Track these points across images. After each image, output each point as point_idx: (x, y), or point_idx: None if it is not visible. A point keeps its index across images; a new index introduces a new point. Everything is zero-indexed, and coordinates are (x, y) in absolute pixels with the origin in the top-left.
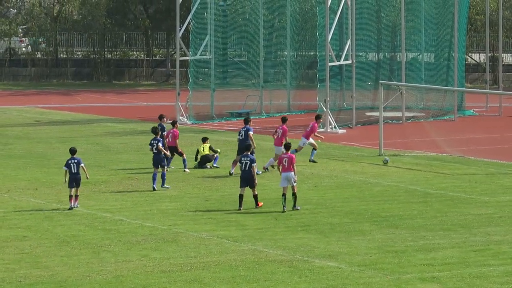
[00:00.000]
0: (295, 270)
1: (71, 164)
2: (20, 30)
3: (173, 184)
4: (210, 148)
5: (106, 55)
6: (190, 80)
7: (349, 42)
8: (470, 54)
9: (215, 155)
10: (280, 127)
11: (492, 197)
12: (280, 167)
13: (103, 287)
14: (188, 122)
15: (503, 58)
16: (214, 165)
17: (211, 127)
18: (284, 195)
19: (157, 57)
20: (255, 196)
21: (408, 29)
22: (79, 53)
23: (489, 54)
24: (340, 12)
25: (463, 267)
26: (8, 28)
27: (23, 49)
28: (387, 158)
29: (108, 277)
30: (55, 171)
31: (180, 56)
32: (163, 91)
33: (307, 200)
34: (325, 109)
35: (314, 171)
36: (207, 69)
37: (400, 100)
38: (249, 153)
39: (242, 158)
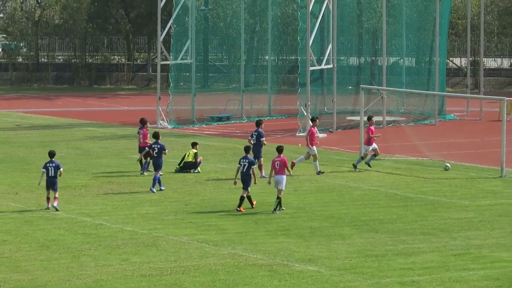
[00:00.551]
0: (274, 274)
1: (49, 167)
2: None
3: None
4: (196, 155)
5: (87, 60)
6: (171, 85)
7: (330, 46)
8: (451, 59)
9: (198, 161)
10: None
11: (472, 201)
12: (273, 171)
13: None
14: (169, 127)
15: (484, 62)
16: (195, 171)
17: (191, 131)
18: (278, 197)
19: (138, 61)
20: (248, 197)
21: (389, 33)
22: (60, 57)
23: (470, 59)
24: (322, 17)
25: (443, 271)
26: None
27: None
28: (448, 165)
29: (88, 281)
30: (35, 175)
31: (161, 61)
32: (144, 95)
33: (287, 204)
34: (305, 113)
35: (294, 175)
36: (188, 74)
37: (381, 104)
38: (248, 155)
39: (241, 160)
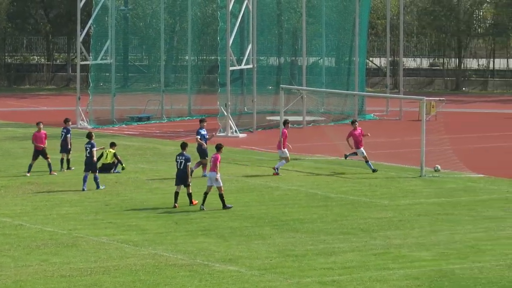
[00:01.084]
0: (195, 274)
1: None
2: None
3: (74, 188)
4: (115, 155)
5: (6, 60)
6: (91, 85)
7: (250, 46)
8: (370, 59)
9: (116, 162)
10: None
11: (392, 200)
12: (208, 167)
13: None
14: (89, 127)
15: (403, 62)
16: (115, 171)
17: (111, 131)
18: (205, 193)
19: (58, 61)
20: (189, 195)
21: (309, 33)
22: None
23: (389, 59)
24: (241, 17)
25: (363, 271)
26: None
27: None
28: (438, 166)
29: (8, 282)
30: None
31: (81, 61)
32: (64, 95)
33: (207, 204)
34: (226, 113)
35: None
36: (107, 74)
37: (301, 104)
38: (184, 152)
39: (178, 157)
